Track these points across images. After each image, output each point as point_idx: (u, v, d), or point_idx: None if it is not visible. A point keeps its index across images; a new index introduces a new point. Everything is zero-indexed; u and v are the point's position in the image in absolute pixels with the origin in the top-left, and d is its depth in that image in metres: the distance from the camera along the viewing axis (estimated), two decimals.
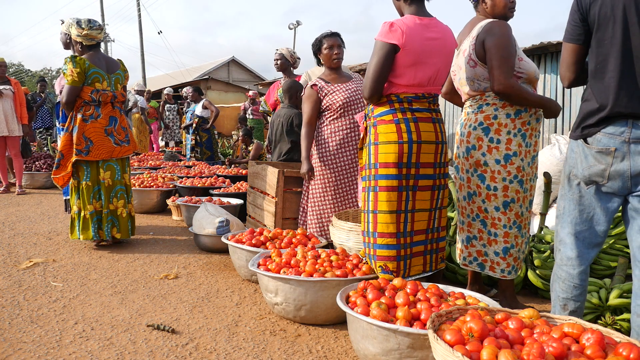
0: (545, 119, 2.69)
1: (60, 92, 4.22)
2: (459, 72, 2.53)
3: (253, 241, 3.08)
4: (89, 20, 3.73)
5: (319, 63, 3.51)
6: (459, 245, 2.66)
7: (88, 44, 3.74)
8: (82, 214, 3.70)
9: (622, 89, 1.68)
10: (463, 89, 2.54)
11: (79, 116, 3.67)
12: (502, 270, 2.48)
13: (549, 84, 6.32)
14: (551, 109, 2.43)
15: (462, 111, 2.62)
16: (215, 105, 8.83)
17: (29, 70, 50.34)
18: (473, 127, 2.47)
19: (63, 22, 4.24)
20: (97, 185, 3.74)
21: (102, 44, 25.58)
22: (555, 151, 3.90)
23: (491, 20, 2.40)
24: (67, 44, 4.26)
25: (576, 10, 1.80)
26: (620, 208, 1.83)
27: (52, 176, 3.81)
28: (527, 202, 2.50)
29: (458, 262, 2.69)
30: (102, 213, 3.73)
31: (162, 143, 12.23)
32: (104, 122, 3.73)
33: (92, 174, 3.72)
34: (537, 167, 2.57)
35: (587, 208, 1.83)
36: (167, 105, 11.56)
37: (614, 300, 2.38)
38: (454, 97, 2.78)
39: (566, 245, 1.90)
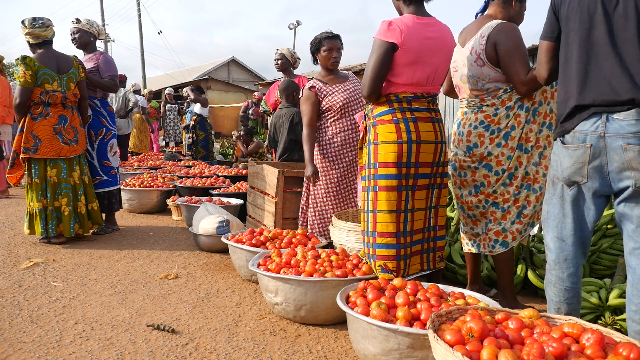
0: None
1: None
2: (461, 69, 2.51)
3: (253, 241, 3.08)
4: (33, 19, 3.75)
5: (315, 62, 3.52)
6: (473, 235, 2.62)
7: (35, 42, 3.77)
8: (33, 210, 3.76)
9: (587, 76, 1.70)
10: (463, 86, 2.53)
11: (28, 115, 3.72)
12: (520, 233, 2.51)
13: None
14: None
15: (459, 110, 2.62)
16: (215, 105, 8.85)
17: None
18: (474, 126, 2.46)
19: (79, 21, 4.21)
20: (45, 183, 3.78)
21: (102, 44, 25.70)
22: None
23: (501, 21, 2.39)
24: (87, 42, 4.23)
25: (550, 8, 1.86)
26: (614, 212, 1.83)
27: (6, 175, 3.90)
28: (531, 163, 2.46)
29: (483, 251, 2.59)
30: (47, 210, 3.77)
31: (162, 143, 12.24)
32: (53, 121, 3.76)
33: (40, 172, 3.76)
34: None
35: (571, 211, 1.82)
36: (168, 105, 11.56)
37: (614, 300, 2.38)
38: (451, 93, 2.78)
39: (552, 250, 1.89)
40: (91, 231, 4.21)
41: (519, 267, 2.89)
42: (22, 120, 3.73)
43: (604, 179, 1.71)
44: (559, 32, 1.85)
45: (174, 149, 10.92)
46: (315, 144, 3.42)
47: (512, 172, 2.46)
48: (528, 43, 7.37)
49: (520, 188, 2.48)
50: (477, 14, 2.59)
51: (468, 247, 2.64)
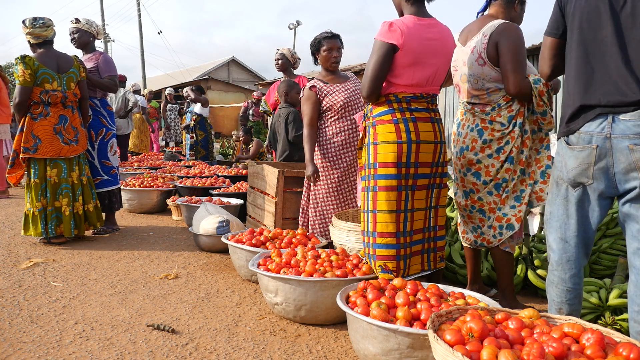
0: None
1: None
2: (461, 68, 2.50)
3: (253, 241, 3.08)
4: (34, 19, 3.76)
5: (316, 62, 3.52)
6: (464, 230, 2.66)
7: (36, 42, 3.79)
8: (31, 211, 3.75)
9: (593, 76, 1.70)
10: (463, 85, 2.52)
11: (28, 114, 3.73)
12: (500, 234, 2.48)
13: None
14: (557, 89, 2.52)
15: (458, 110, 2.62)
16: (215, 105, 8.86)
17: None
18: (470, 128, 2.47)
19: (78, 21, 4.21)
20: (44, 183, 3.78)
21: (102, 44, 25.69)
22: (554, 151, 3.90)
23: (504, 21, 2.39)
24: (86, 42, 4.23)
25: (556, 4, 1.85)
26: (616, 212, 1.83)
27: (6, 175, 3.92)
28: (518, 172, 2.45)
29: (475, 245, 2.62)
30: (47, 210, 3.77)
31: (162, 143, 12.24)
32: (53, 121, 3.77)
33: (39, 172, 3.77)
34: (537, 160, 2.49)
35: (575, 212, 1.81)
36: (169, 105, 11.56)
37: (614, 300, 2.38)
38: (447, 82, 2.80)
39: (554, 251, 1.89)
40: (91, 231, 4.21)
41: (519, 267, 2.89)
42: (22, 119, 3.74)
43: (610, 180, 1.70)
44: (564, 29, 1.83)
45: (174, 149, 10.93)
46: (316, 144, 3.42)
47: (500, 182, 2.46)
48: (528, 43, 7.38)
49: (504, 195, 2.48)
50: (478, 13, 2.59)
51: (466, 244, 2.66)
